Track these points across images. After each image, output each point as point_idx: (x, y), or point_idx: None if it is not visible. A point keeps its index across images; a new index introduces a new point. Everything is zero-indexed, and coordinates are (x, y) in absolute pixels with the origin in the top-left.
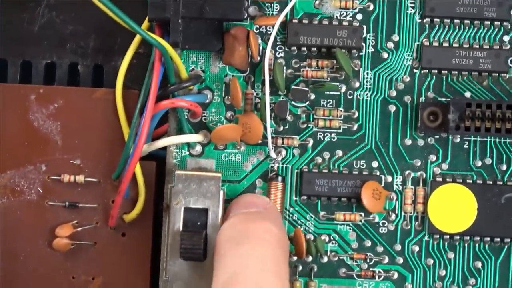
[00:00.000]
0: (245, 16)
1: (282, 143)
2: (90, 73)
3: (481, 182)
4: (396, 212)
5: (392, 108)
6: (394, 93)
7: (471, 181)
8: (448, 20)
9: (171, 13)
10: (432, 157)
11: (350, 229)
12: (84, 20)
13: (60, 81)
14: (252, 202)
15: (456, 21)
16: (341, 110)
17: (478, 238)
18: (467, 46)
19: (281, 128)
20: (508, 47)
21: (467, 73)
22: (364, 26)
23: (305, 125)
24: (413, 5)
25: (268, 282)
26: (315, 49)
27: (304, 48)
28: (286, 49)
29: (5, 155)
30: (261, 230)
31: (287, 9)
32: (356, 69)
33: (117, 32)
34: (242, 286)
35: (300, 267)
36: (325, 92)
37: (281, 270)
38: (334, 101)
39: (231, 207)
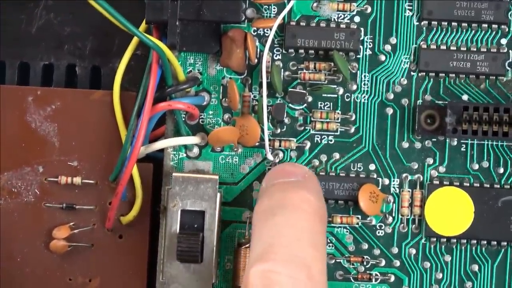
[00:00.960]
0: (243, 19)
1: (280, 146)
2: (87, 74)
3: (478, 185)
4: (393, 215)
5: (390, 111)
6: (391, 96)
7: (468, 184)
8: (446, 23)
9: (168, 15)
10: (429, 160)
11: (347, 231)
12: (82, 21)
13: (58, 82)
14: (291, 171)
15: (454, 24)
16: (338, 113)
17: (475, 241)
18: (465, 49)
19: (279, 130)
20: (505, 50)
21: (464, 76)
22: (362, 29)
23: (302, 128)
24: (410, 7)
25: (304, 252)
26: (313, 51)
27: (301, 51)
28: (283, 51)
29: (3, 157)
30: (298, 199)
31: (284, 12)
32: (353, 71)
33: (115, 33)
34: (277, 257)
35: None
36: (323, 95)
37: (318, 240)
38: (331, 103)
39: (269, 177)
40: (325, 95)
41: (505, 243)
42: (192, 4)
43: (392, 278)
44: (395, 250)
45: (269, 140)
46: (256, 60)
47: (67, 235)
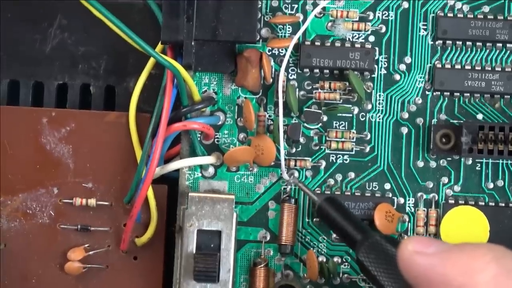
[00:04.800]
0: (258, 38)
1: (295, 165)
2: (102, 94)
3: (493, 204)
4: (409, 234)
5: (404, 130)
6: (406, 115)
7: (483, 203)
8: (460, 42)
9: (184, 36)
10: (444, 179)
11: None
12: (96, 41)
13: (72, 102)
14: None
15: (468, 43)
16: (353, 132)
17: None
18: (479, 68)
19: (294, 150)
20: None
21: (479, 95)
22: (377, 48)
23: (317, 147)
24: (425, 27)
25: None
26: (328, 71)
27: (316, 70)
28: (298, 71)
29: (17, 178)
30: None
31: (300, 32)
32: (368, 91)
33: (129, 53)
34: None
35: None
36: (338, 114)
37: None
38: (346, 123)
39: None
40: (340, 114)
41: None
42: (208, 24)
43: None
44: None
45: (285, 159)
46: (271, 80)
47: (82, 257)
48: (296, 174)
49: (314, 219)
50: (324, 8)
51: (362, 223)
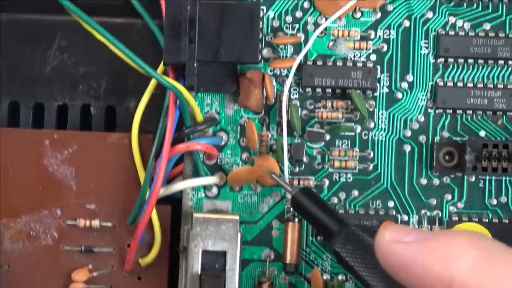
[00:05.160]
0: (260, 59)
1: (298, 184)
2: (102, 114)
3: (497, 220)
4: None
5: (407, 148)
6: (409, 133)
7: (487, 220)
8: (462, 60)
9: (186, 57)
10: (448, 196)
11: None
12: (96, 61)
13: (73, 123)
14: None
15: (470, 61)
16: (356, 151)
17: None
18: (482, 85)
19: (297, 169)
20: None
21: (481, 112)
22: (378, 67)
23: (320, 166)
24: (426, 45)
25: None
26: (330, 90)
27: (318, 89)
28: (300, 90)
29: (20, 200)
30: None
31: (302, 54)
32: (370, 109)
33: (129, 72)
34: None
35: None
36: (340, 133)
37: None
38: (349, 141)
39: None
40: (343, 133)
41: None
42: (210, 45)
43: None
44: None
45: (288, 178)
46: (273, 100)
47: (86, 278)
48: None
49: (318, 237)
50: (325, 28)
51: (339, 214)
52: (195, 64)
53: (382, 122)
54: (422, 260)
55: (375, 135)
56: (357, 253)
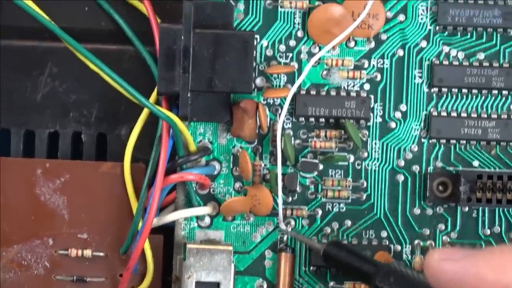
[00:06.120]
0: (253, 88)
1: (291, 214)
2: (93, 142)
3: None
4: None
5: (401, 178)
6: (402, 163)
7: None
8: (456, 90)
9: (180, 87)
10: (441, 226)
11: None
12: (87, 88)
13: (64, 150)
14: None
15: (464, 90)
16: (349, 180)
17: None
18: (475, 115)
19: (290, 199)
20: None
21: (475, 142)
22: (372, 96)
23: (313, 196)
24: (420, 74)
25: None
26: (323, 119)
27: (312, 119)
28: (294, 119)
29: (12, 229)
30: None
31: (296, 84)
32: (364, 139)
33: (121, 100)
34: None
35: None
36: (334, 163)
37: None
38: (342, 171)
39: None
40: (336, 163)
41: None
42: (203, 75)
43: None
44: None
45: (282, 209)
46: (267, 129)
47: None
48: (293, 222)
49: (311, 267)
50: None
51: (371, 258)
52: (188, 94)
53: (375, 151)
54: (476, 270)
55: (368, 164)
56: (400, 284)
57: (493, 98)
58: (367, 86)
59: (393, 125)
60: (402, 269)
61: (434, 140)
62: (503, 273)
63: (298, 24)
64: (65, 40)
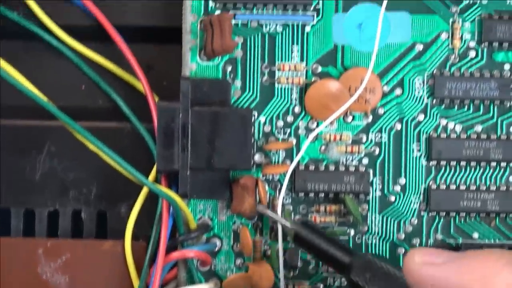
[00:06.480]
0: (252, 164)
1: None
2: (93, 220)
3: None
4: None
5: (401, 251)
6: (402, 236)
7: None
8: (455, 163)
9: (179, 165)
10: None
11: None
12: (86, 167)
13: (64, 229)
14: None
15: (463, 163)
16: None
17: None
18: (474, 188)
19: (291, 274)
20: None
21: (475, 214)
22: (371, 170)
23: (315, 270)
24: (418, 148)
25: None
26: (323, 194)
27: (311, 194)
28: (293, 195)
29: None
30: None
31: (295, 161)
32: (364, 213)
33: (120, 178)
34: None
35: None
36: (334, 237)
37: None
38: None
39: None
40: (337, 237)
41: None
42: (202, 153)
43: None
44: None
45: (284, 283)
46: (267, 205)
47: None
48: None
49: None
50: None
51: (346, 245)
52: (188, 172)
53: (375, 225)
54: (458, 281)
55: (368, 238)
56: (377, 281)
57: (491, 170)
58: (365, 160)
59: (392, 198)
60: (380, 264)
61: (434, 213)
62: (486, 283)
63: (295, 99)
64: (62, 120)
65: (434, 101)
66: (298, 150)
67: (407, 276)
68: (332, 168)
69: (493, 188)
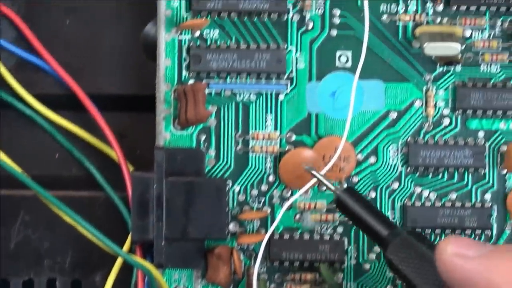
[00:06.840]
0: (227, 234)
1: None
2: None
3: None
4: None
5: None
6: None
7: None
8: (430, 230)
9: (154, 235)
10: None
11: None
12: (60, 236)
13: None
14: None
15: (437, 231)
16: None
17: None
18: None
19: None
20: None
21: None
22: (346, 239)
23: None
24: (393, 216)
25: None
26: (298, 263)
27: (286, 263)
28: (268, 264)
29: None
30: None
31: (270, 231)
32: (339, 282)
33: (95, 246)
34: None
35: None
36: None
37: None
38: None
39: None
40: None
41: None
42: (177, 223)
43: None
44: None
45: None
46: (242, 275)
47: None
48: None
49: None
50: None
51: (387, 217)
52: (163, 243)
53: None
54: (487, 276)
55: None
56: (411, 262)
57: (467, 236)
58: (340, 229)
59: (367, 266)
60: (416, 244)
61: None
62: None
63: (270, 168)
64: (36, 190)
65: (409, 169)
66: (272, 219)
67: (438, 263)
68: (307, 236)
69: None
